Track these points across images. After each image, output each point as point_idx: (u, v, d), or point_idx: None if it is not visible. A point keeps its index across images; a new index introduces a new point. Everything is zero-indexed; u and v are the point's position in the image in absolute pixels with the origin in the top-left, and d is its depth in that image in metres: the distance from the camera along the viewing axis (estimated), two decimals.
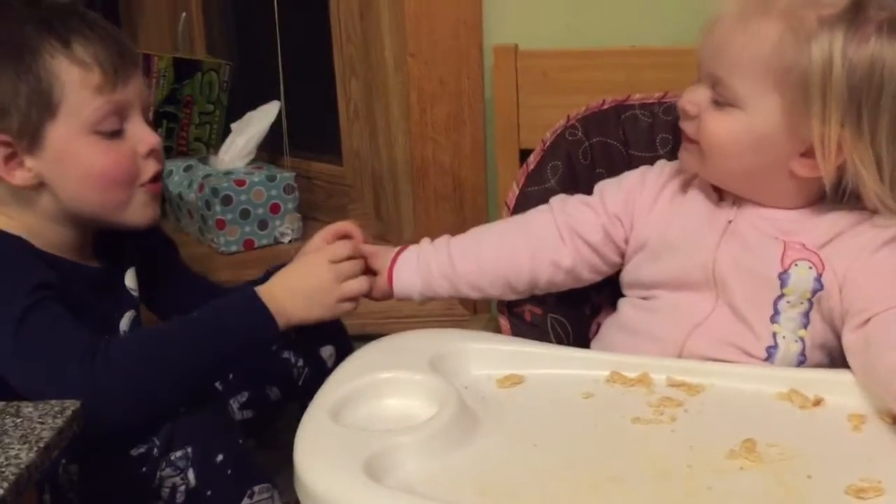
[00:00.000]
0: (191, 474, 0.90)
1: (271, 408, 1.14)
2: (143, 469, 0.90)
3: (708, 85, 0.89)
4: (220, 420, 0.96)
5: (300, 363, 1.15)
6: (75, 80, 0.93)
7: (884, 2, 0.84)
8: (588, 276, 1.00)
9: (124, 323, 1.03)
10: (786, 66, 0.83)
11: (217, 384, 1.10)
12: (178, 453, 0.90)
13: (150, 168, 0.99)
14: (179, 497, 0.90)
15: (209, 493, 0.90)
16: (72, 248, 1.00)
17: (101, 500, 0.93)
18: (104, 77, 0.94)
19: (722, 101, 0.88)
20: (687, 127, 0.92)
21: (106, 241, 1.04)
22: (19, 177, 0.94)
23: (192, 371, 0.91)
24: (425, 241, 1.01)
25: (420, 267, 0.98)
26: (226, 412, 1.02)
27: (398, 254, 1.00)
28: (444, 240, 1.00)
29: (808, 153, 0.86)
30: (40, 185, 0.95)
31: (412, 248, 1.00)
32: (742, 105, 0.87)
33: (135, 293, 1.06)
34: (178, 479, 0.90)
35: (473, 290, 0.99)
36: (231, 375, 1.14)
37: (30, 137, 0.93)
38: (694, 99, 0.90)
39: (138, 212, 0.99)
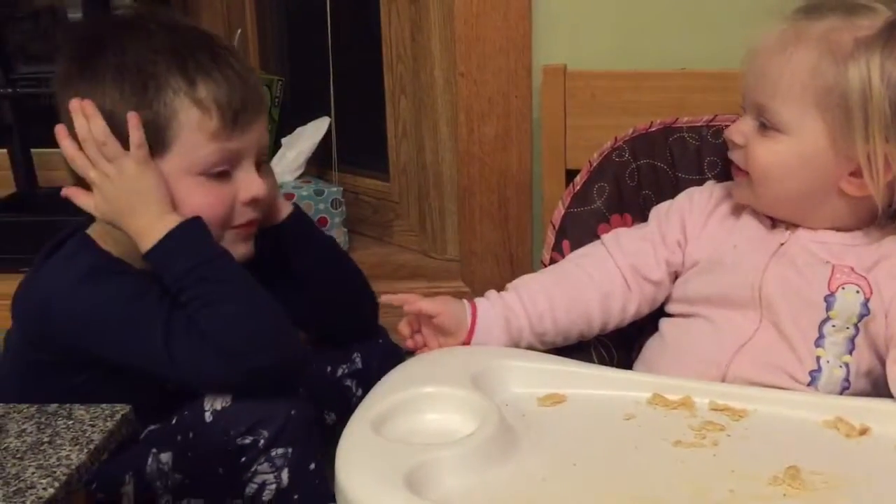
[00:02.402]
0: (285, 474, 0.90)
1: (326, 431, 1.13)
2: (243, 459, 0.90)
3: (753, 114, 0.91)
4: (319, 430, 0.96)
5: (360, 393, 1.14)
6: (193, 122, 0.93)
7: None
8: (648, 311, 1.01)
9: None
10: (825, 87, 0.85)
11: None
12: (280, 451, 0.90)
13: (244, 215, 0.98)
14: (267, 495, 0.91)
15: (296, 496, 0.91)
16: None
17: (188, 490, 0.93)
18: (222, 124, 0.93)
19: (768, 127, 0.89)
20: (736, 157, 0.93)
21: None
22: None
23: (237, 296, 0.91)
24: (497, 302, 0.96)
25: (505, 337, 0.95)
26: (319, 422, 1.02)
27: (474, 322, 0.94)
28: (518, 303, 0.95)
29: (857, 172, 0.87)
30: None
31: (487, 314, 0.94)
32: (787, 129, 0.88)
33: None
34: (270, 477, 0.90)
35: (546, 346, 0.97)
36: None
37: None
38: (740, 128, 0.92)
39: (229, 249, 0.96)
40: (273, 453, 0.90)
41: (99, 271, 0.95)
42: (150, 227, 0.92)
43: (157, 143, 0.93)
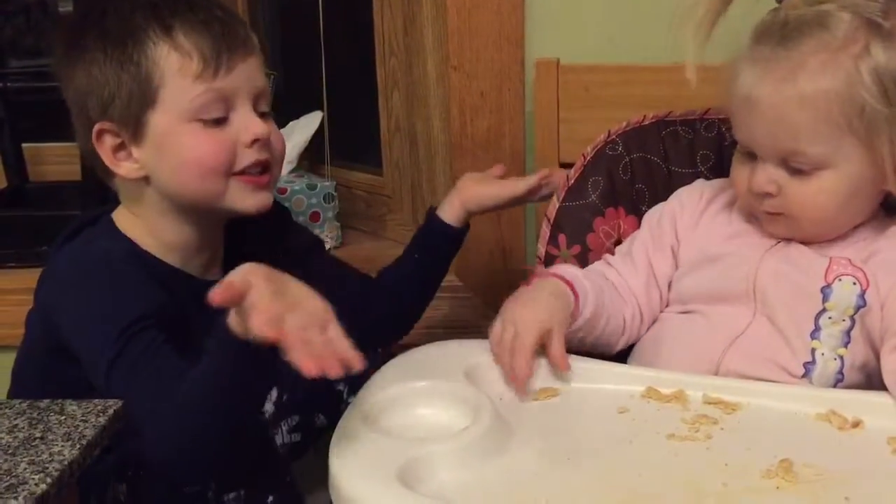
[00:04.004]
0: None
1: (315, 433, 1.14)
2: None
3: (775, 161, 0.88)
4: (271, 460, 0.95)
5: (350, 400, 1.14)
6: (174, 67, 0.91)
7: (888, 8, 0.84)
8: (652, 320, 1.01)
9: None
10: (857, 109, 0.84)
11: (267, 415, 1.10)
12: (231, 495, 0.90)
13: (247, 157, 0.94)
14: None
15: None
16: (191, 252, 0.98)
17: None
18: (204, 64, 0.91)
19: (806, 170, 0.87)
20: (768, 205, 0.90)
21: (237, 250, 1.02)
22: (125, 168, 0.94)
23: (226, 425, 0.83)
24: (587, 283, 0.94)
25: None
26: (275, 450, 1.01)
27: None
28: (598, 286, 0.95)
29: None
30: (146, 178, 0.95)
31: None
32: (828, 164, 0.86)
33: None
34: None
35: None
36: (285, 397, 1.14)
37: (133, 126, 0.92)
38: (769, 178, 0.89)
39: (237, 200, 0.95)
40: (225, 498, 0.90)
41: (100, 268, 0.92)
42: None
43: (145, 95, 0.91)
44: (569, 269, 0.96)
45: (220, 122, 0.93)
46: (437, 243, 1.14)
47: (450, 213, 1.13)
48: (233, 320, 0.77)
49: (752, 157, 0.90)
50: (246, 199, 0.96)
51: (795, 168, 0.87)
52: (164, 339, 0.89)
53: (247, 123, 0.94)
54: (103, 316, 0.89)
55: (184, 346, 0.91)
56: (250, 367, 0.79)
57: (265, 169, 0.97)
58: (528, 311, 0.87)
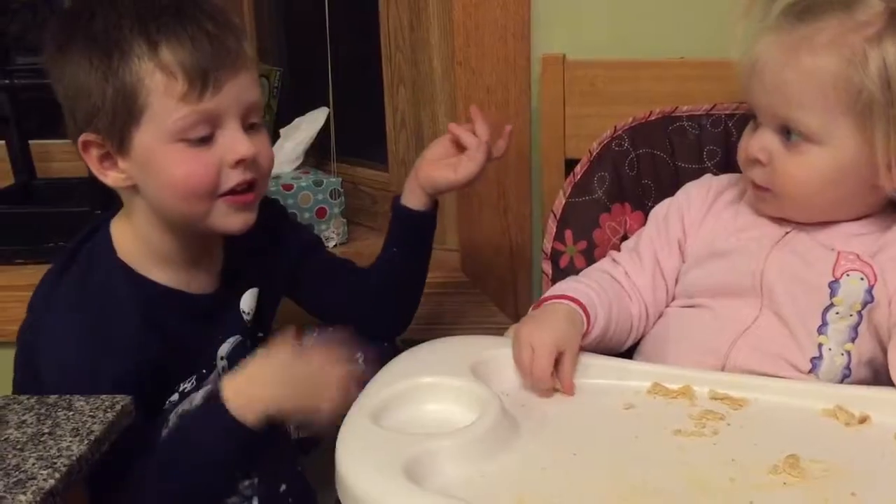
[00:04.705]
0: (255, 502, 0.90)
1: (322, 430, 1.15)
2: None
3: (774, 129, 0.88)
4: (284, 449, 0.95)
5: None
6: (159, 87, 0.88)
7: None
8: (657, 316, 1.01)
9: (224, 349, 1.01)
10: (853, 91, 0.84)
11: None
12: (245, 482, 0.90)
13: (232, 178, 0.93)
14: None
15: None
16: (184, 265, 0.98)
17: None
18: (189, 85, 0.88)
19: (796, 141, 0.87)
20: (756, 175, 0.91)
21: (233, 259, 1.01)
22: (112, 177, 0.93)
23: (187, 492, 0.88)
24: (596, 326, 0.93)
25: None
26: (288, 440, 1.01)
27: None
28: (605, 300, 0.94)
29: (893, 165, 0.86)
30: (134, 187, 0.94)
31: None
32: (818, 140, 0.86)
33: (247, 316, 1.03)
34: None
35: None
36: None
37: (118, 140, 0.91)
38: (762, 144, 0.89)
39: (222, 221, 0.94)
40: (240, 486, 0.90)
41: (86, 328, 0.91)
42: (254, 404, 0.88)
43: (129, 112, 0.89)
44: (580, 289, 0.93)
45: (205, 140, 0.91)
46: (410, 233, 1.11)
47: (412, 198, 1.09)
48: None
49: (758, 127, 0.91)
50: (229, 220, 0.95)
51: (789, 139, 0.87)
52: (140, 404, 0.88)
53: (233, 144, 0.92)
54: (86, 361, 0.89)
55: (179, 366, 0.92)
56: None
57: (251, 186, 0.95)
58: (545, 332, 0.86)
